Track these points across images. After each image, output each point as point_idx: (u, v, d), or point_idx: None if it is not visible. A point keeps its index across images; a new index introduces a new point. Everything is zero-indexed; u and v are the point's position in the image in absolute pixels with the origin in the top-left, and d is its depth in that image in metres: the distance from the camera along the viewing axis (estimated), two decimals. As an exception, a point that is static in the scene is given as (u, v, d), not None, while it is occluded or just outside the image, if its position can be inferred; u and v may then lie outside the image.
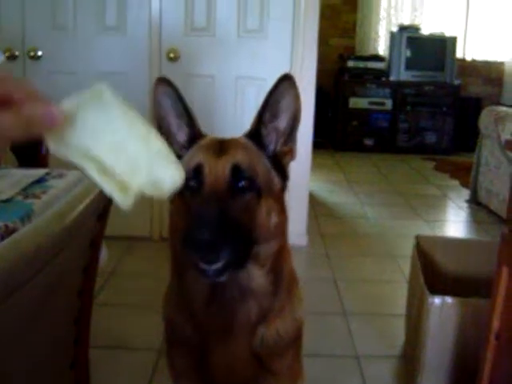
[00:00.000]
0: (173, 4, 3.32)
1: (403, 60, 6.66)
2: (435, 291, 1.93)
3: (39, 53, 3.32)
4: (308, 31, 3.33)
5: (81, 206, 1.12)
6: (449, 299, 1.89)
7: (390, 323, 2.65)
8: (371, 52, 7.19)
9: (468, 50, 7.24)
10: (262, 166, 1.07)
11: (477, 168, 4.66)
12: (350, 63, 6.82)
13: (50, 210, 1.12)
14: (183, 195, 1.01)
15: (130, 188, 0.63)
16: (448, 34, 6.84)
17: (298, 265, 1.24)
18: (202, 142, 1.10)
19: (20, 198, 1.46)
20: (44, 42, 3.33)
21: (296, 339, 1.19)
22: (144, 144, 0.65)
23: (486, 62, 7.28)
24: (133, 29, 3.35)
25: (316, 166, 4.21)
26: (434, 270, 2.30)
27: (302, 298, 1.21)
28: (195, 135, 1.12)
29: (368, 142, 6.79)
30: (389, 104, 6.71)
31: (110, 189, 0.63)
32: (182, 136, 1.12)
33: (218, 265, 0.93)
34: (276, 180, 1.10)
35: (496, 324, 1.51)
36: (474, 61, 7.27)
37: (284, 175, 1.12)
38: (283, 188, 1.12)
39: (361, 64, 6.82)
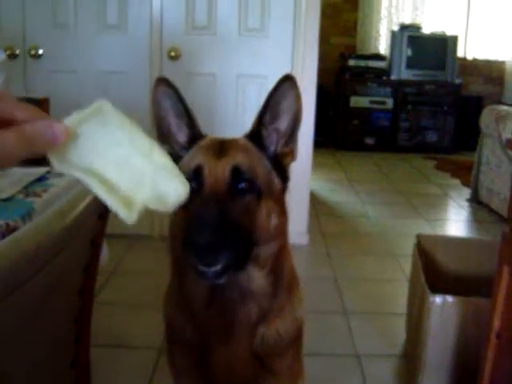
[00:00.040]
0: (174, 2, 3.32)
1: (404, 59, 6.66)
2: (436, 290, 1.93)
3: (40, 51, 3.32)
4: (309, 30, 3.33)
5: (82, 205, 1.12)
6: (450, 298, 1.89)
7: (391, 322, 2.65)
8: (372, 51, 7.19)
9: (469, 49, 7.24)
10: (262, 168, 1.07)
11: (478, 167, 4.66)
12: (351, 62, 6.82)
13: (50, 208, 1.12)
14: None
15: (134, 203, 0.64)
16: (449, 32, 6.84)
17: (299, 264, 1.24)
18: (202, 142, 1.10)
19: (21, 196, 1.46)
20: (45, 41, 3.33)
21: (296, 339, 1.19)
22: (147, 158, 0.65)
23: (487, 61, 7.27)
24: (134, 27, 3.35)
25: (317, 164, 4.21)
26: (434, 269, 2.30)
27: (302, 298, 1.21)
28: (195, 136, 1.11)
29: (369, 140, 6.79)
30: (390, 103, 6.71)
31: (114, 204, 0.63)
32: (181, 136, 1.12)
33: (217, 267, 0.92)
34: (276, 181, 1.09)
35: (497, 323, 1.51)
36: (475, 60, 7.27)
37: (284, 176, 1.12)
38: (284, 189, 1.11)
39: (362, 63, 6.82)
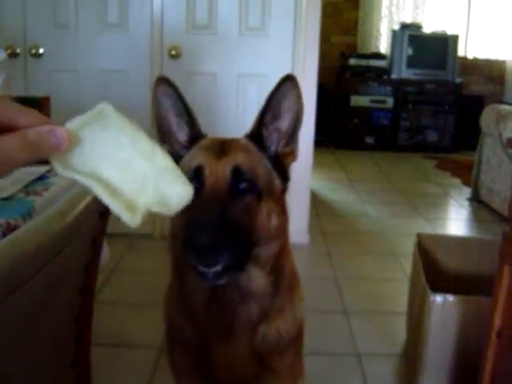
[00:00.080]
0: (174, 1, 3.32)
1: (405, 58, 6.65)
2: (437, 289, 1.93)
3: (41, 50, 3.32)
4: (310, 29, 3.33)
5: (82, 204, 1.12)
6: (450, 297, 1.89)
7: (392, 321, 2.65)
8: (373, 50, 7.18)
9: (470, 49, 7.23)
10: (262, 168, 1.07)
11: (478, 166, 4.65)
12: (352, 61, 6.82)
13: (51, 207, 1.12)
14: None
15: (137, 207, 0.63)
16: (450, 32, 6.83)
17: (300, 263, 1.24)
18: (203, 142, 1.09)
19: (21, 195, 1.46)
20: (45, 40, 3.33)
21: (297, 338, 1.19)
22: (149, 160, 0.65)
23: (487, 61, 7.27)
24: (134, 26, 3.35)
25: (317, 164, 4.20)
26: (435, 268, 2.30)
27: (303, 298, 1.21)
28: (196, 135, 1.11)
29: (369, 140, 6.79)
30: (390, 102, 6.71)
31: (117, 208, 0.62)
32: (182, 136, 1.11)
33: (218, 268, 0.92)
34: (277, 181, 1.09)
35: (497, 322, 1.51)
36: (475, 59, 7.26)
37: (285, 176, 1.11)
38: (284, 189, 1.11)
39: (362, 62, 6.81)
